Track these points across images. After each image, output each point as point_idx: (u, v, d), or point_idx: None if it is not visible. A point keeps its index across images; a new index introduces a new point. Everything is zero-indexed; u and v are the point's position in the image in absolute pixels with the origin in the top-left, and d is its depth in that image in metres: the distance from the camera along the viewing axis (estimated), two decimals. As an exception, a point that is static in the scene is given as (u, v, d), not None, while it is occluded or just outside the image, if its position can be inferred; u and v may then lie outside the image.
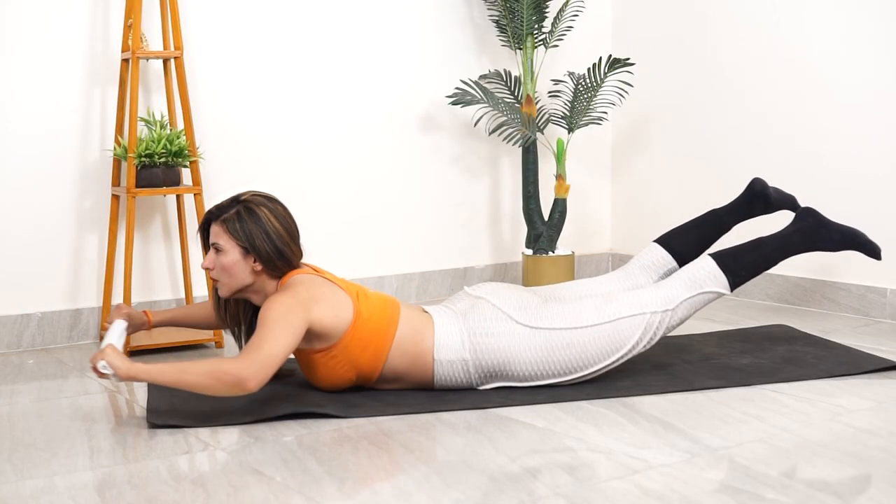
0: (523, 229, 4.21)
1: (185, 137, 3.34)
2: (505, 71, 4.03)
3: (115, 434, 2.38)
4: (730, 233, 3.07)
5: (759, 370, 2.82)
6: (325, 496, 1.94)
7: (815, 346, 3.08)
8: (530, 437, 2.29)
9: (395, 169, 4.03)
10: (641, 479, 2.00)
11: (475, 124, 4.07)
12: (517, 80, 4.03)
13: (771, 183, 3.22)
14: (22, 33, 3.29)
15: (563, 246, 4.25)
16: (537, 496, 1.91)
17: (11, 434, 2.37)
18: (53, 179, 3.37)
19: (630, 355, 2.66)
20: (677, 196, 4.24)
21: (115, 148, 3.37)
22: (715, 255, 2.79)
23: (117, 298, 3.43)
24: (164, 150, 3.26)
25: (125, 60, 3.36)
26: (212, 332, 3.25)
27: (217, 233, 2.54)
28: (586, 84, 3.94)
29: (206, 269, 2.56)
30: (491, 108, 3.96)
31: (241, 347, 2.67)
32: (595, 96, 3.95)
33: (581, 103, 3.97)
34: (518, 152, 4.22)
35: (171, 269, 3.58)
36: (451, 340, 2.59)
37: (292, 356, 2.73)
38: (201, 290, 3.59)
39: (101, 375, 2.37)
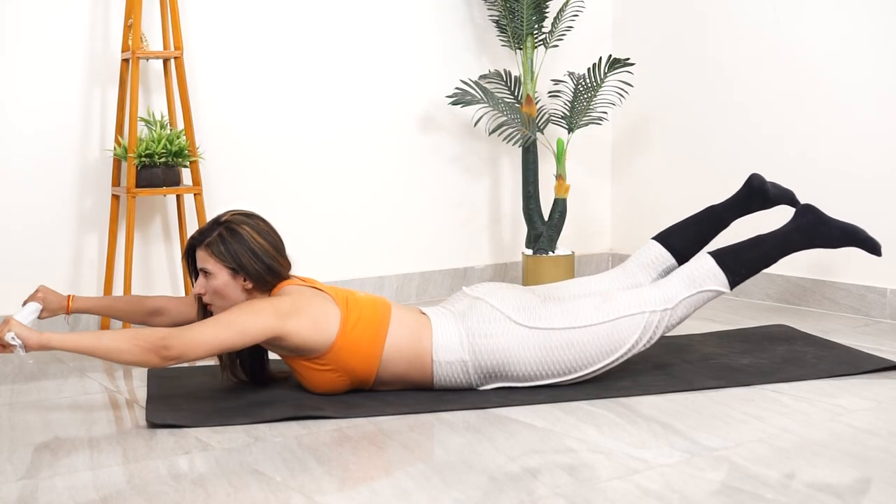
0: (523, 229, 4.21)
1: (185, 137, 3.34)
2: (505, 71, 4.03)
3: (115, 434, 2.38)
4: (728, 229, 3.07)
5: (758, 370, 2.82)
6: (325, 496, 1.94)
7: (815, 346, 3.08)
8: (530, 437, 2.29)
9: (395, 169, 4.03)
10: (641, 479, 2.00)
11: (475, 124, 4.07)
12: (517, 80, 4.03)
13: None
14: (22, 33, 3.29)
15: (563, 246, 4.25)
16: (537, 496, 1.91)
17: (11, 434, 2.37)
18: (53, 179, 3.37)
19: (629, 355, 2.65)
20: (677, 196, 4.24)
21: (115, 148, 3.37)
22: (714, 254, 2.78)
23: (117, 298, 3.43)
24: (164, 150, 3.26)
25: (125, 60, 3.37)
26: None
27: (203, 258, 2.54)
28: (586, 84, 3.94)
29: (198, 294, 2.56)
30: (491, 108, 3.96)
31: (230, 372, 2.67)
32: (595, 96, 3.95)
33: (581, 103, 3.97)
34: (518, 152, 4.22)
35: (171, 269, 3.58)
36: (450, 341, 2.58)
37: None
38: (201, 290, 3.59)
39: (6, 349, 2.36)
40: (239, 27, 3.67)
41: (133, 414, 2.56)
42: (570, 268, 3.96)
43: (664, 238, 2.96)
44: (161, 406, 2.54)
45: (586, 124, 4.01)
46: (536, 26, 3.97)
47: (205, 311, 2.60)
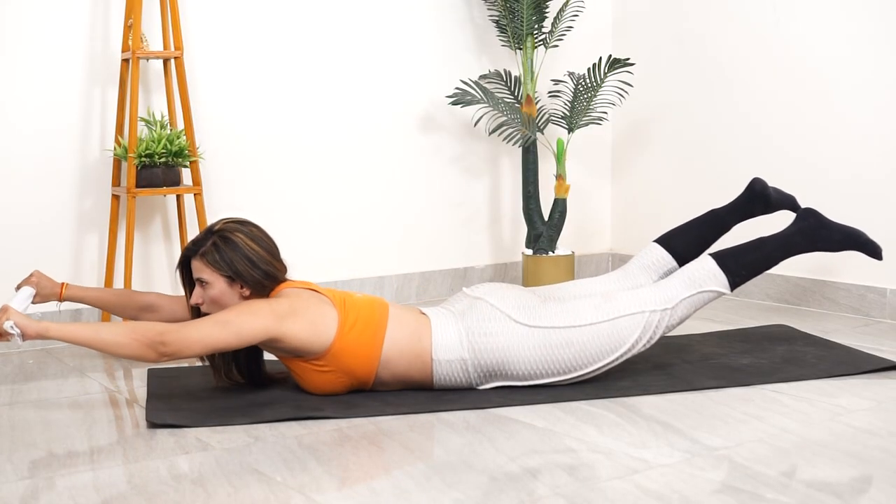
0: (523, 229, 4.21)
1: (185, 137, 3.34)
2: (505, 71, 4.03)
3: (115, 434, 2.38)
4: (730, 233, 3.07)
5: (758, 370, 2.82)
6: (325, 496, 1.94)
7: (815, 346, 3.08)
8: (530, 437, 2.29)
9: (395, 168, 4.03)
10: (641, 479, 2.00)
11: (475, 124, 4.07)
12: (517, 80, 4.03)
13: (771, 183, 3.22)
14: (22, 33, 3.29)
15: (563, 246, 4.25)
16: (537, 496, 1.91)
17: (11, 434, 2.37)
18: (54, 179, 3.37)
19: (629, 354, 2.65)
20: (677, 196, 4.24)
21: (115, 148, 3.37)
22: (715, 255, 2.79)
23: (117, 298, 3.43)
24: (164, 150, 3.26)
25: (125, 60, 3.37)
26: None
27: (199, 268, 2.54)
28: (586, 84, 3.94)
29: (196, 304, 2.56)
30: (491, 108, 3.96)
31: (223, 374, 2.67)
32: (595, 96, 3.95)
33: (581, 103, 3.97)
34: (518, 152, 4.22)
35: (171, 269, 3.58)
36: (450, 340, 2.59)
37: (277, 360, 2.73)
38: (201, 290, 3.59)
39: (3, 337, 2.36)
40: (239, 27, 3.67)
41: (133, 414, 2.56)
42: (570, 268, 3.96)
43: (666, 241, 2.97)
44: (161, 406, 2.54)
45: (586, 124, 4.01)
46: (536, 26, 3.97)
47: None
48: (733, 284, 2.77)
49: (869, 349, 3.06)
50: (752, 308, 3.80)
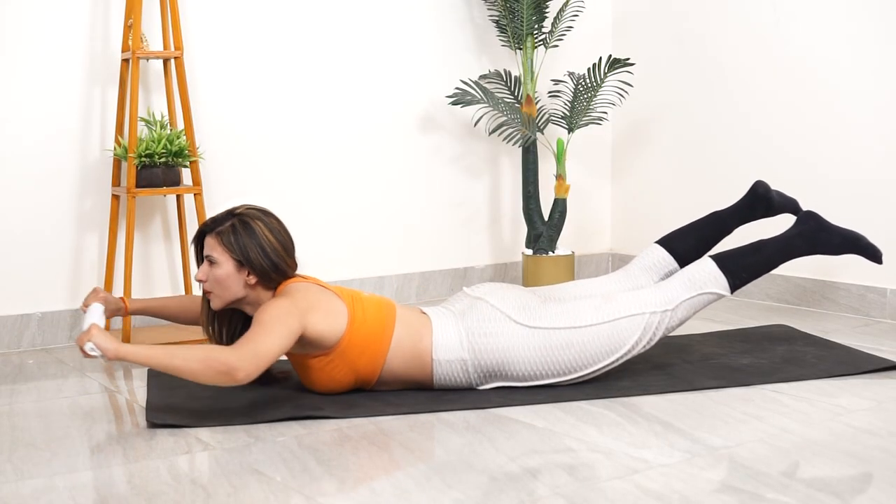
0: (523, 229, 4.21)
1: (185, 137, 3.34)
2: (505, 71, 4.03)
3: (115, 434, 2.38)
4: (731, 235, 3.07)
5: (758, 370, 2.82)
6: (325, 496, 1.94)
7: (815, 346, 3.08)
8: (530, 437, 2.29)
9: (395, 168, 4.03)
10: (641, 479, 2.00)
11: (475, 124, 4.07)
12: (517, 80, 4.03)
13: (770, 182, 3.22)
14: (22, 33, 3.29)
15: (563, 246, 4.25)
16: (537, 496, 1.91)
17: (11, 434, 2.37)
18: (53, 179, 3.37)
19: (629, 356, 2.66)
20: (677, 196, 4.24)
21: (115, 148, 3.37)
22: (715, 257, 2.79)
23: (117, 298, 3.43)
24: (164, 150, 3.26)
25: (125, 60, 3.37)
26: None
27: (211, 245, 2.54)
28: (586, 84, 3.94)
29: (200, 280, 2.56)
30: (491, 108, 3.96)
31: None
32: (595, 96, 3.95)
33: (581, 103, 3.97)
34: (518, 152, 4.22)
35: (171, 269, 3.58)
36: (450, 340, 2.59)
37: (285, 359, 2.73)
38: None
39: (87, 356, 2.36)
40: (239, 27, 3.67)
41: (133, 414, 2.56)
42: (570, 268, 3.96)
43: (667, 242, 2.97)
44: (161, 406, 2.54)
45: (586, 124, 4.01)
46: (536, 26, 3.97)
47: (209, 304, 2.59)
48: (733, 287, 2.77)
49: (869, 349, 3.06)
50: (752, 308, 3.80)
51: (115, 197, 3.41)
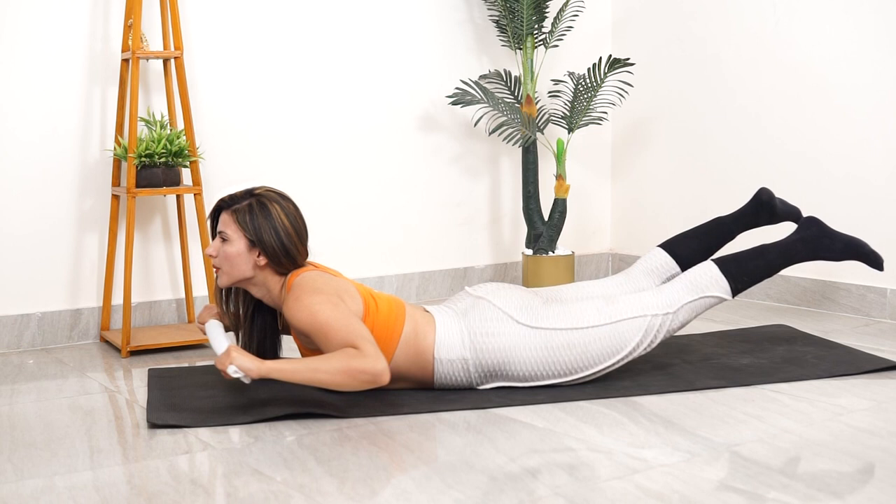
0: (523, 229, 4.21)
1: (185, 137, 3.34)
2: (505, 71, 4.03)
3: (115, 434, 2.38)
4: (733, 241, 3.08)
5: (759, 370, 2.82)
6: (325, 496, 1.94)
7: (815, 346, 3.08)
8: (530, 437, 2.29)
9: (395, 169, 4.03)
10: (641, 479, 2.00)
11: (475, 124, 4.07)
12: (517, 80, 4.03)
13: (770, 182, 3.23)
14: (22, 33, 3.29)
15: (563, 246, 4.25)
16: (537, 496, 1.91)
17: (11, 434, 2.37)
18: (54, 179, 3.37)
19: (630, 357, 2.66)
20: (677, 196, 4.24)
21: (115, 148, 3.37)
22: (717, 261, 2.80)
23: (117, 298, 3.43)
24: (164, 150, 3.26)
25: (125, 60, 3.37)
26: None
27: (226, 222, 2.55)
28: (586, 84, 3.94)
29: (210, 255, 2.57)
30: (491, 108, 3.96)
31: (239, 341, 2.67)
32: (595, 96, 3.95)
33: (581, 103, 3.97)
34: (518, 152, 4.22)
35: (171, 269, 3.58)
36: (452, 339, 2.59)
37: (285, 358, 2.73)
38: (201, 291, 3.59)
39: (230, 378, 2.37)
40: (239, 27, 3.67)
41: (133, 414, 2.56)
42: (570, 268, 3.96)
43: (670, 246, 2.98)
44: (161, 406, 2.54)
45: (586, 124, 4.01)
46: (536, 26, 3.97)
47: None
48: (735, 290, 2.78)
49: (869, 349, 3.06)
50: (752, 308, 3.80)
51: (115, 197, 3.41)
